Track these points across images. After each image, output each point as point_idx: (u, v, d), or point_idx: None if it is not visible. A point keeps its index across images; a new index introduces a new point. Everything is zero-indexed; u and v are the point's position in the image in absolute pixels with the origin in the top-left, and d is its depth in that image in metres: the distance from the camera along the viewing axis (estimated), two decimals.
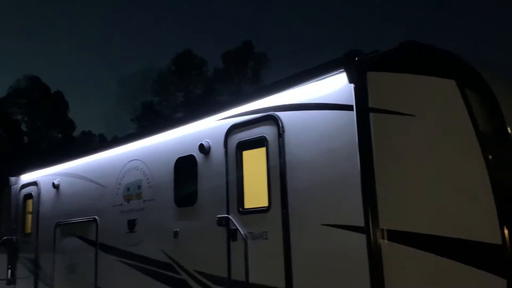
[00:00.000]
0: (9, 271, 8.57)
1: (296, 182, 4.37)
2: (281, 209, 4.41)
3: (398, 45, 4.05)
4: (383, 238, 3.63)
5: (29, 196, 8.61)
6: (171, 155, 5.77)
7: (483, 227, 3.33)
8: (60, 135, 47.04)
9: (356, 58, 4.03)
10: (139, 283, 5.93)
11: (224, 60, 45.38)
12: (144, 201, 6.10)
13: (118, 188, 6.55)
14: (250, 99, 5.04)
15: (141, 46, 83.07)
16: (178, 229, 5.52)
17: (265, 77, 42.81)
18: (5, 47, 78.53)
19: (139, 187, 6.22)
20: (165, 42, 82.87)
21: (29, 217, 8.58)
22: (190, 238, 5.39)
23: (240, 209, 4.82)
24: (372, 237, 3.66)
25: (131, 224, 6.23)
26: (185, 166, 5.57)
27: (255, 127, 4.83)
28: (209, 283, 5.02)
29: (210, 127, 5.39)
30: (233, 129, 5.06)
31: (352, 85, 4.01)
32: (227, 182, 5.00)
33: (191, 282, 5.23)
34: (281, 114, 4.61)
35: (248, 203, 4.81)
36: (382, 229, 3.65)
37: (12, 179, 9.09)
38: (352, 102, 3.98)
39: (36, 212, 8.27)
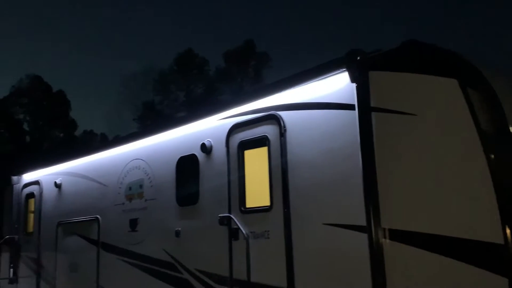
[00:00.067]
0: (11, 270, 8.59)
1: (297, 182, 4.37)
2: (283, 208, 4.42)
3: (400, 45, 4.05)
4: (385, 237, 3.63)
5: (31, 195, 8.62)
6: (173, 155, 5.78)
7: (485, 226, 3.33)
8: (62, 135, 47.09)
9: (358, 58, 4.03)
10: (141, 282, 5.94)
11: (225, 59, 45.40)
12: (146, 200, 6.11)
13: (120, 187, 6.56)
14: (252, 99, 5.04)
15: (142, 46, 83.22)
16: (180, 228, 5.53)
17: (266, 77, 42.90)
18: (7, 47, 78.80)
19: (141, 186, 6.22)
20: (165, 42, 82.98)
21: (31, 216, 8.59)
22: (192, 237, 5.39)
23: (242, 208, 4.83)
24: (374, 237, 3.66)
25: (133, 223, 6.24)
26: (187, 166, 5.57)
27: (257, 127, 4.84)
28: (211, 282, 5.03)
29: (212, 127, 5.40)
30: (235, 129, 5.06)
31: (354, 85, 4.01)
32: (229, 181, 5.01)
33: (193, 281, 5.23)
34: (282, 114, 4.61)
35: (250, 203, 4.82)
36: (384, 229, 3.65)
37: (14, 178, 9.09)
38: (354, 101, 3.98)
39: (38, 211, 8.28)
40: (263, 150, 4.72)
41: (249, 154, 4.93)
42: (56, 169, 8.15)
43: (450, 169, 3.56)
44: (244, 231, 4.73)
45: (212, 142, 5.31)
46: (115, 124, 50.55)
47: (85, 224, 7.09)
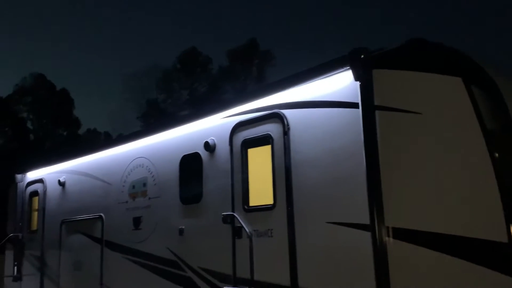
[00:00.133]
0: (16, 268, 8.61)
1: (301, 180, 4.37)
2: (286, 206, 4.41)
3: (404, 43, 4.04)
4: (388, 236, 3.62)
5: (35, 193, 8.65)
6: (177, 153, 5.78)
7: (489, 225, 3.33)
8: (65, 133, 47.23)
9: (362, 56, 4.02)
10: (144, 280, 5.95)
11: (229, 57, 45.40)
12: (149, 198, 6.12)
13: (124, 186, 6.57)
14: (255, 97, 5.04)
15: (145, 45, 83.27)
16: (183, 227, 5.53)
17: (270, 75, 42.88)
18: (10, 46, 78.96)
19: (144, 184, 6.23)
20: (166, 42, 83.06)
21: (35, 214, 8.61)
22: (195, 235, 5.40)
23: (245, 207, 4.83)
24: (377, 235, 3.65)
25: (137, 222, 6.25)
26: (191, 164, 5.57)
27: (260, 125, 4.83)
28: (214, 281, 5.03)
29: (215, 125, 5.40)
30: (238, 127, 5.06)
31: (357, 83, 4.00)
32: (232, 180, 5.00)
33: (196, 279, 5.24)
34: (286, 112, 4.60)
35: (253, 201, 4.81)
36: (388, 227, 3.64)
37: (18, 176, 9.11)
38: (358, 100, 3.97)
39: (42, 210, 8.30)
40: (267, 149, 4.71)
41: (252, 152, 4.93)
42: (60, 167, 8.17)
43: (454, 167, 3.55)
44: (247, 230, 4.73)
45: (215, 141, 5.31)
46: (118, 123, 50.72)
47: (89, 222, 7.10)
